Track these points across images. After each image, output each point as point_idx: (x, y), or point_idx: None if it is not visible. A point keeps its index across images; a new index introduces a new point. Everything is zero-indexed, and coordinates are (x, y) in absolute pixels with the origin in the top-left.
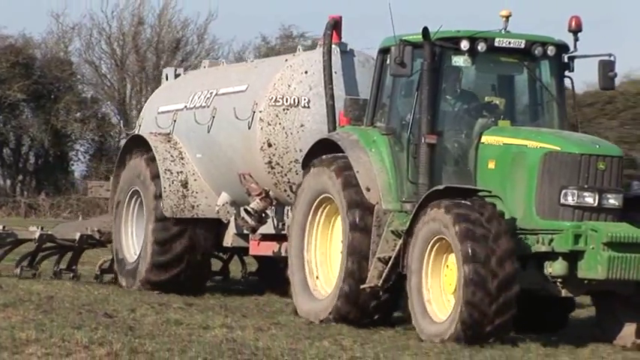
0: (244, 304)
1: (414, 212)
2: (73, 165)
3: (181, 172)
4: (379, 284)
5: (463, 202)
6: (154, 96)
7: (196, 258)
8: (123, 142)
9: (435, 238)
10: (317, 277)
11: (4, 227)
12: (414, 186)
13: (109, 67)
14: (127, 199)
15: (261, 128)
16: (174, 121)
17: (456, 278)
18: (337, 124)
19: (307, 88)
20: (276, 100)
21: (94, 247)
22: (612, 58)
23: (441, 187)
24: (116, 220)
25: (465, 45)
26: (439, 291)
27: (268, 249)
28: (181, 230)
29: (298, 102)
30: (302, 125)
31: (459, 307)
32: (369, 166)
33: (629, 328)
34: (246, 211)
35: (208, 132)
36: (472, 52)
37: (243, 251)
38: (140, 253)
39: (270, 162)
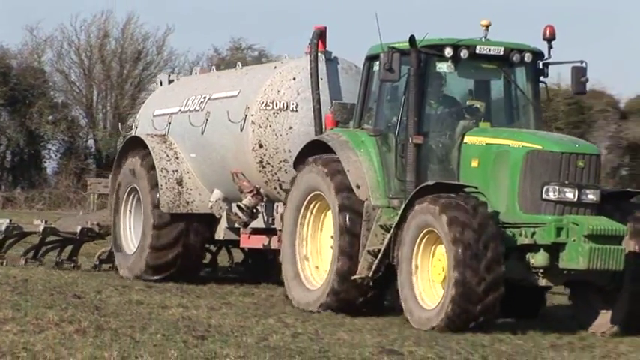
0: (198, 286)
1: (404, 207)
2: (45, 162)
3: (176, 170)
4: (369, 275)
5: (451, 195)
6: (149, 100)
7: (190, 249)
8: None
9: (425, 230)
10: (308, 268)
11: (10, 221)
12: (401, 183)
13: (78, 76)
14: (124, 196)
15: (253, 130)
16: (169, 123)
17: (443, 268)
18: (324, 127)
19: (295, 93)
20: (266, 105)
21: (94, 240)
22: (584, 65)
23: (430, 183)
24: (115, 214)
25: (448, 52)
26: (428, 280)
27: (258, 242)
28: (176, 224)
29: (287, 106)
30: (291, 128)
31: (449, 289)
32: (358, 166)
33: (604, 316)
34: (238, 207)
35: (202, 134)
36: (455, 58)
37: (231, 244)
38: (138, 245)
39: (261, 162)
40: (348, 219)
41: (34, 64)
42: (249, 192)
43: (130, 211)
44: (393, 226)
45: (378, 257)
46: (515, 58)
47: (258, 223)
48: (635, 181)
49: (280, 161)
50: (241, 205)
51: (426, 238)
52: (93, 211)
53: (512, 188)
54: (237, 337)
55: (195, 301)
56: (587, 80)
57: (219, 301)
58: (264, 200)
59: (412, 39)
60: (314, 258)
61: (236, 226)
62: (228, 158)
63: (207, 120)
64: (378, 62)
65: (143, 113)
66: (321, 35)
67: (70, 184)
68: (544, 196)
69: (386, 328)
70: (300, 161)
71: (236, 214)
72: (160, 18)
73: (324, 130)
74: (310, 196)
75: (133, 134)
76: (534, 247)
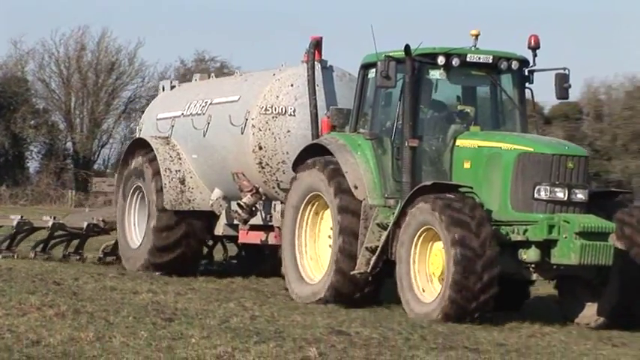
0: (166, 274)
1: (402, 205)
2: (28, 162)
3: (179, 170)
4: (368, 270)
5: (448, 195)
6: (153, 105)
7: (191, 244)
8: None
9: (422, 228)
10: (308, 264)
11: (22, 217)
12: (396, 184)
13: (58, 84)
14: (129, 194)
15: (253, 133)
16: (172, 126)
17: (440, 264)
18: (320, 131)
19: (293, 99)
20: (266, 109)
21: (99, 235)
22: (567, 72)
23: (428, 183)
24: (120, 211)
25: (441, 60)
26: (425, 276)
27: (256, 237)
28: (179, 220)
29: (285, 111)
30: (289, 131)
31: (447, 286)
32: (356, 167)
33: (590, 308)
34: (238, 204)
35: (204, 136)
36: (447, 66)
37: (226, 239)
38: (142, 240)
39: (260, 163)
40: (346, 219)
41: (17, 74)
42: (249, 191)
43: (135, 208)
44: (391, 224)
45: (376, 254)
46: (503, 65)
47: (257, 220)
48: None
49: (279, 162)
50: (241, 203)
51: (423, 235)
52: (99, 208)
53: (504, 188)
54: (201, 320)
55: (164, 287)
56: (569, 86)
57: (185, 287)
58: (263, 199)
59: (407, 48)
60: (313, 254)
61: (235, 222)
62: (229, 159)
63: (209, 123)
64: (372, 70)
65: (147, 117)
66: (317, 45)
67: (50, 182)
68: (536, 195)
69: (335, 311)
70: (299, 163)
71: (236, 212)
72: (131, 32)
73: (320, 134)
74: (309, 196)
75: (137, 136)
76: (526, 244)
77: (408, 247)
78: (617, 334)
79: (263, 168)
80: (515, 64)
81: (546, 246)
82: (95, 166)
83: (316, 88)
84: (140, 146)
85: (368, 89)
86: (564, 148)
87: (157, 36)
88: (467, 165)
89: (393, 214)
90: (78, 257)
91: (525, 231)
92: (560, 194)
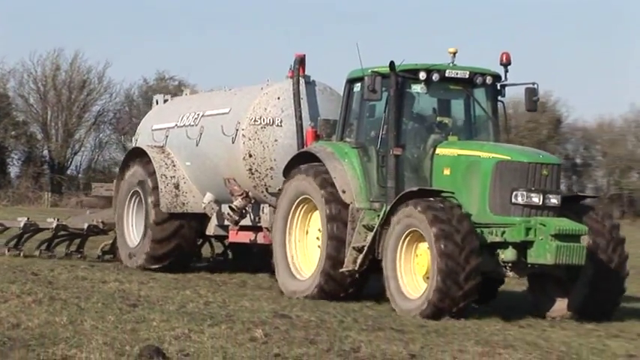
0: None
1: (389, 209)
2: (9, 168)
3: (174, 176)
4: (355, 268)
5: (430, 198)
6: (148, 117)
7: (185, 243)
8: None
9: (408, 230)
10: (297, 261)
11: (28, 218)
12: (381, 189)
13: (35, 100)
14: (128, 198)
15: (244, 142)
16: (167, 136)
17: (424, 264)
18: (305, 140)
19: (280, 111)
20: (255, 120)
21: (98, 235)
22: (535, 86)
23: (415, 188)
24: (119, 214)
25: (422, 75)
26: (411, 274)
27: (245, 237)
28: (174, 222)
29: (273, 122)
30: (276, 140)
31: (434, 277)
32: (343, 174)
33: (560, 303)
34: (230, 207)
35: (197, 145)
36: (427, 81)
37: (214, 238)
38: (140, 240)
39: (250, 169)
40: (334, 228)
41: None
42: (240, 195)
43: (133, 210)
44: (377, 226)
45: (363, 253)
46: (478, 80)
47: (246, 221)
48: None
49: (267, 169)
50: (233, 206)
51: (409, 237)
52: (99, 210)
53: (482, 193)
54: (161, 305)
55: (129, 277)
56: (538, 99)
57: (147, 277)
58: (252, 202)
59: (392, 64)
60: (302, 252)
61: (226, 223)
62: (221, 166)
63: (201, 133)
64: (357, 84)
65: (143, 128)
66: (301, 62)
67: (29, 185)
68: (513, 200)
69: (279, 297)
70: (290, 169)
71: (228, 214)
72: (100, 54)
73: (305, 143)
74: (299, 199)
75: (134, 145)
76: (503, 245)
77: (394, 247)
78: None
79: (253, 174)
80: (489, 79)
81: (522, 246)
82: (68, 171)
83: (301, 101)
84: (137, 155)
85: (353, 102)
86: (539, 156)
87: (122, 58)
88: (447, 172)
89: (378, 216)
90: (79, 255)
91: (503, 232)
92: (536, 199)
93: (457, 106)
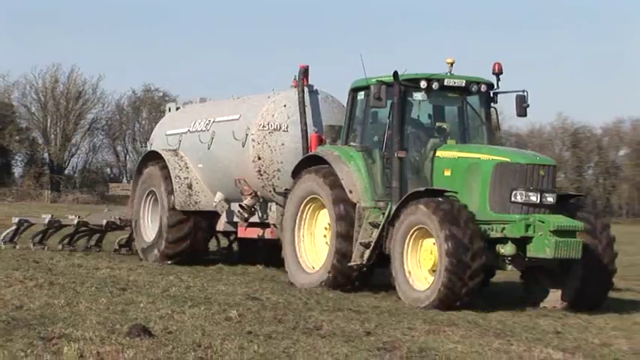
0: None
1: (397, 207)
2: (13, 169)
3: (187, 177)
4: (363, 262)
5: (438, 199)
6: (161, 123)
7: (197, 238)
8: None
9: (415, 227)
10: (306, 256)
11: (52, 216)
12: (385, 189)
13: (37, 109)
14: (144, 197)
15: (253, 146)
16: (180, 141)
17: (429, 258)
18: (309, 144)
19: (286, 117)
20: (263, 126)
21: (115, 230)
22: (525, 93)
23: (422, 189)
24: (136, 211)
25: (423, 84)
26: (417, 267)
27: (253, 233)
28: (187, 219)
29: (280, 127)
30: (283, 144)
31: (441, 275)
32: (350, 175)
33: (554, 295)
34: (240, 206)
35: (209, 149)
36: (428, 89)
37: (221, 233)
38: (156, 235)
39: (259, 170)
40: (343, 226)
41: (5, 101)
42: (249, 194)
43: (149, 208)
44: (383, 222)
45: (370, 248)
46: (474, 88)
47: (254, 218)
48: None
49: (274, 170)
50: (243, 205)
51: (415, 233)
52: (117, 208)
53: (483, 192)
54: (147, 289)
55: (119, 264)
56: (528, 106)
57: (135, 264)
58: (261, 200)
59: (396, 74)
60: (310, 247)
61: (235, 220)
62: (231, 168)
63: (212, 138)
64: (361, 92)
65: (157, 133)
66: (305, 72)
67: (31, 184)
68: (512, 199)
69: (251, 282)
70: (299, 170)
71: (238, 211)
72: (94, 68)
73: (309, 147)
74: (308, 198)
75: (149, 149)
76: (503, 240)
77: (401, 242)
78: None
79: (261, 175)
80: (483, 87)
81: (521, 242)
82: (66, 172)
83: (305, 108)
84: (152, 157)
85: (357, 109)
86: (536, 158)
87: (114, 71)
88: (447, 173)
89: (383, 214)
90: (98, 249)
91: (503, 229)
92: (534, 198)
93: (454, 112)
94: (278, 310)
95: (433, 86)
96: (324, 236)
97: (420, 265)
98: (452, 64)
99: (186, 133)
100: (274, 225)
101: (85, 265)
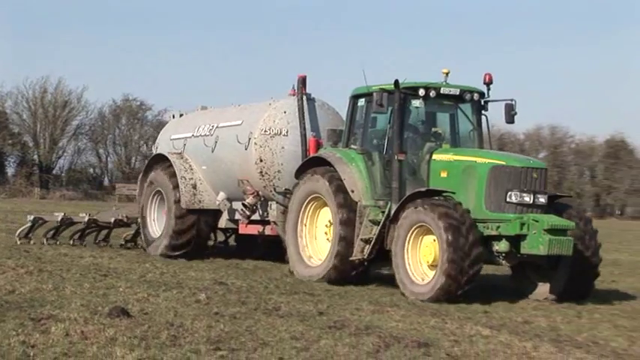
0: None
1: (398, 207)
2: (6, 169)
3: (192, 178)
4: (364, 257)
5: (435, 197)
6: (166, 129)
7: (201, 233)
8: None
9: (416, 225)
10: (308, 251)
11: (64, 214)
12: (385, 188)
13: (28, 116)
14: (150, 196)
15: (255, 149)
16: (184, 144)
17: (429, 254)
18: (307, 147)
19: (286, 123)
20: (265, 131)
21: (122, 227)
22: (513, 102)
23: (423, 189)
24: (143, 210)
25: (421, 92)
26: (417, 262)
27: (254, 229)
28: (192, 216)
29: (280, 132)
30: (283, 147)
31: (442, 265)
32: (351, 175)
33: (542, 288)
34: (243, 204)
35: (212, 152)
36: (426, 97)
37: (218, 229)
38: (162, 231)
39: (261, 172)
40: (344, 214)
41: None
42: (252, 193)
43: (155, 207)
44: (384, 220)
45: (371, 244)
46: (467, 97)
47: (255, 216)
48: None
49: (275, 171)
50: (246, 203)
51: (416, 231)
52: (124, 206)
53: (479, 192)
54: (126, 275)
55: (101, 253)
56: (516, 113)
57: (115, 253)
58: (262, 200)
59: (396, 82)
60: (311, 243)
61: (236, 217)
62: (234, 169)
63: (216, 142)
64: (361, 99)
65: (162, 138)
66: (303, 81)
67: (22, 182)
68: (507, 199)
69: (219, 268)
70: (302, 171)
71: (242, 210)
72: (79, 80)
73: (307, 150)
74: (310, 197)
75: (155, 152)
76: (497, 237)
77: (403, 239)
78: None
79: (263, 176)
80: (475, 96)
81: (515, 239)
82: (54, 171)
83: (304, 114)
84: (159, 160)
85: (357, 114)
86: (529, 161)
87: (96, 82)
88: (444, 174)
89: (382, 212)
90: (105, 244)
91: (498, 227)
92: (527, 198)
93: (448, 119)
94: (242, 294)
95: (430, 94)
96: (325, 233)
97: (420, 260)
98: (447, 74)
99: (190, 137)
100: (274, 222)
101: (70, 254)
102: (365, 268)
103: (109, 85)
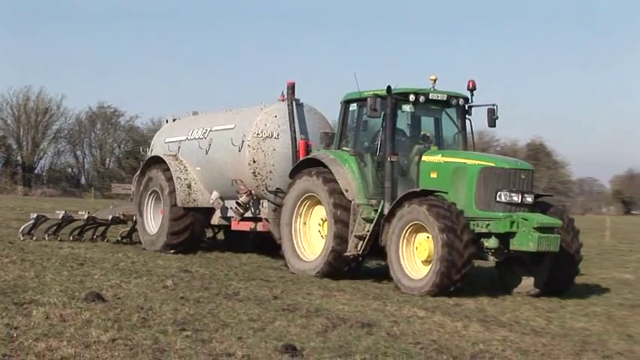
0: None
1: (392, 206)
2: None
3: (186, 178)
4: (358, 253)
5: (430, 197)
6: (160, 132)
7: (195, 230)
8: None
9: (410, 223)
10: (302, 247)
11: (65, 212)
12: (378, 188)
13: (12, 121)
14: (147, 196)
15: (249, 151)
16: (179, 147)
17: (423, 251)
18: (297, 149)
19: (277, 126)
20: (257, 134)
21: (119, 224)
22: (495, 107)
23: (417, 189)
24: (139, 208)
25: (412, 97)
26: (411, 259)
27: (246, 226)
28: (186, 214)
29: (272, 135)
30: (274, 149)
31: (436, 263)
32: (345, 176)
33: (527, 281)
34: (237, 203)
35: (206, 153)
36: (415, 102)
37: (206, 225)
38: (158, 228)
39: (254, 172)
40: (339, 212)
41: None
42: (245, 193)
43: (151, 205)
44: (377, 218)
45: (365, 240)
46: (453, 102)
47: (248, 213)
48: None
49: (267, 172)
50: (239, 202)
51: (410, 229)
52: (121, 204)
53: (469, 192)
54: (101, 264)
55: (78, 245)
56: (497, 118)
57: (91, 245)
58: (255, 198)
59: (389, 88)
60: (305, 239)
61: (229, 215)
62: (228, 170)
63: (210, 144)
64: (353, 104)
65: (157, 141)
66: (292, 87)
67: (7, 181)
68: (497, 199)
69: (184, 258)
70: (296, 171)
71: (235, 208)
72: (58, 89)
73: (297, 152)
74: (304, 196)
75: (150, 155)
76: (487, 235)
77: (397, 236)
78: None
79: (256, 176)
80: (461, 101)
81: (504, 236)
82: (35, 171)
83: (294, 119)
84: (155, 162)
85: (349, 118)
86: (517, 163)
87: (75, 91)
88: (433, 175)
89: (375, 210)
90: (102, 239)
91: (487, 225)
92: (516, 198)
93: (436, 122)
94: (205, 280)
95: (420, 99)
96: (319, 231)
97: (414, 256)
98: (435, 80)
99: (184, 140)
100: (266, 219)
101: (50, 245)
102: (358, 263)
103: (85, 94)
